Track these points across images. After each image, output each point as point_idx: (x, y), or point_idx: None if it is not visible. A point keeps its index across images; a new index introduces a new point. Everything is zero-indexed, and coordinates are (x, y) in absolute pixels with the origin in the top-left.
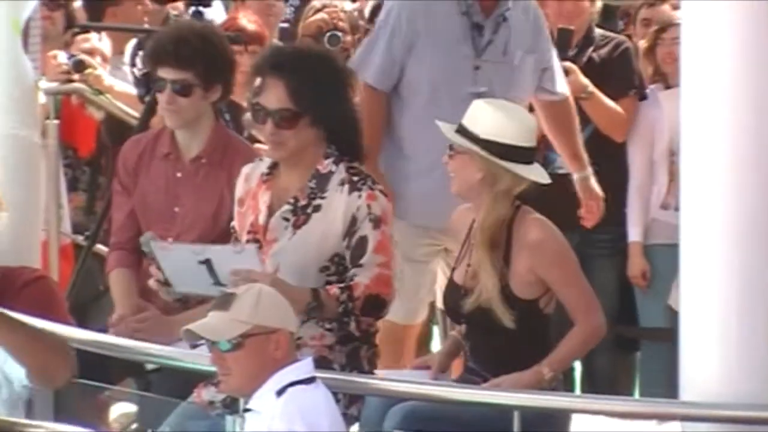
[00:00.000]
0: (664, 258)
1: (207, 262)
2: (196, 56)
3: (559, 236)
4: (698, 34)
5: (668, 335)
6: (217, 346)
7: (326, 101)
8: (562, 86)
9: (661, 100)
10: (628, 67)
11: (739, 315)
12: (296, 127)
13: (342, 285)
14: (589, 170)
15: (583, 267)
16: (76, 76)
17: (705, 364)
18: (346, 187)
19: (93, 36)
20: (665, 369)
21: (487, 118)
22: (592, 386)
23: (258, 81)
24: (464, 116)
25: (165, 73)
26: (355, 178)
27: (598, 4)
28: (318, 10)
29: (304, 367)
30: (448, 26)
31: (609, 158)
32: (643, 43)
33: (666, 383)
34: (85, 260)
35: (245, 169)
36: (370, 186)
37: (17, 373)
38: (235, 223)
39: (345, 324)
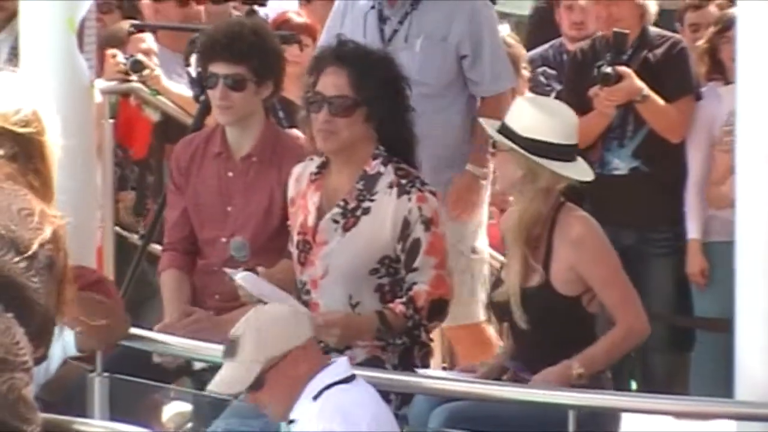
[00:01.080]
0: (722, 255)
1: None
2: (250, 50)
3: (601, 234)
4: (754, 31)
5: (724, 326)
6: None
7: (384, 99)
8: (495, 82)
9: (722, 95)
10: (684, 67)
11: None
12: (351, 117)
13: (404, 300)
14: (484, 171)
15: (640, 266)
16: (134, 77)
17: (760, 362)
18: (395, 190)
19: (148, 36)
20: (720, 367)
21: (528, 116)
22: (647, 386)
23: (315, 74)
24: (507, 114)
25: (218, 68)
26: (404, 181)
27: (653, 5)
28: None
29: (338, 368)
30: (360, 20)
31: (665, 158)
32: (702, 43)
33: (721, 382)
34: (140, 259)
35: (296, 169)
36: (419, 188)
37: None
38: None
39: (417, 336)
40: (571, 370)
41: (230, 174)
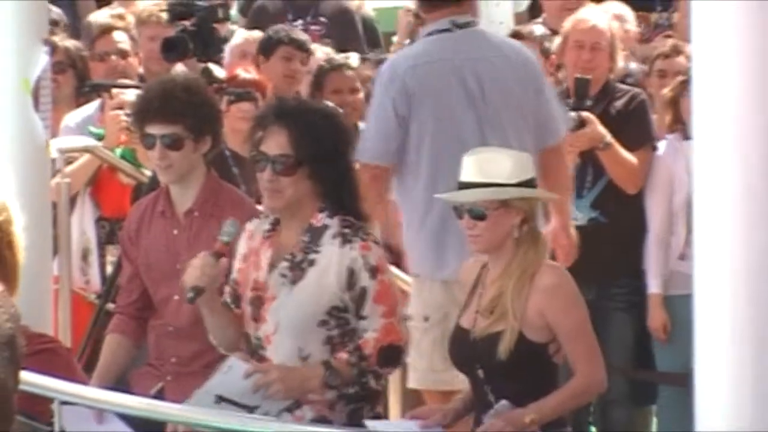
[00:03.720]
0: (684, 309)
1: (221, 398)
2: (184, 109)
3: (573, 284)
4: (710, 84)
5: (684, 380)
6: None
7: (326, 155)
8: None
9: (682, 150)
10: (643, 119)
11: (754, 365)
12: (294, 176)
13: (350, 348)
14: None
15: (600, 320)
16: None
17: (720, 414)
18: (338, 240)
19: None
20: (682, 419)
21: (503, 163)
22: None
23: (260, 133)
24: (475, 175)
25: (154, 129)
26: (347, 230)
27: (620, 60)
28: None
29: None
30: None
31: (624, 209)
32: (666, 92)
33: None
34: (97, 319)
35: (249, 226)
36: (362, 237)
37: None
38: (236, 276)
39: (365, 383)
40: (524, 418)
41: (175, 231)
